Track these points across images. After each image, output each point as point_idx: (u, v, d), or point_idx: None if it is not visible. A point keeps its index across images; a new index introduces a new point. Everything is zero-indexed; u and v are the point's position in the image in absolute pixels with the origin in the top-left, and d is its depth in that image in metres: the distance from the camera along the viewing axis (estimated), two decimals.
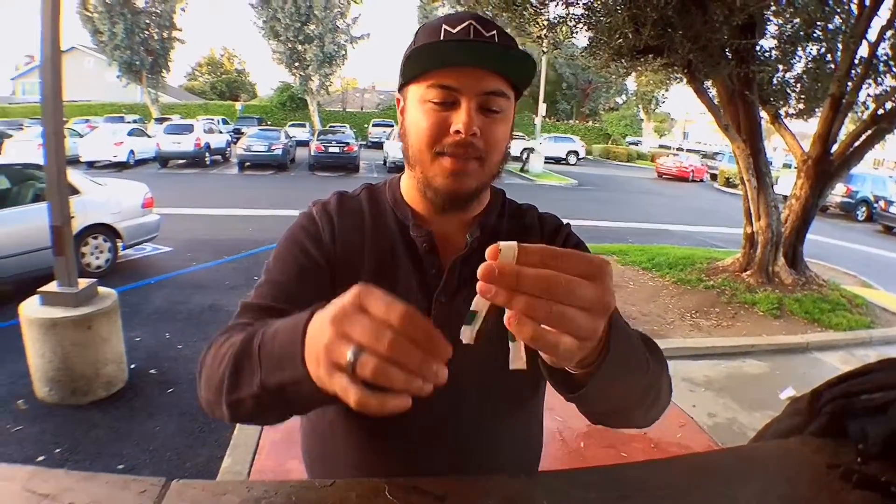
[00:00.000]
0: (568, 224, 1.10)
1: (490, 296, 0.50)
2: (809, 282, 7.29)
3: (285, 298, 0.90)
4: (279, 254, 0.97)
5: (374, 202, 1.04)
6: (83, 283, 3.95)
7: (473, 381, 0.93)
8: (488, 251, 0.52)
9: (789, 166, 23.20)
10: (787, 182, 10.87)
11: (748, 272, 7.31)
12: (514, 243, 0.52)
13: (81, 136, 20.72)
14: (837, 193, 17.54)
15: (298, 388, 0.64)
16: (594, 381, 0.65)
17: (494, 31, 0.89)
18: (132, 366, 4.35)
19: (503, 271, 0.50)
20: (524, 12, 6.38)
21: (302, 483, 0.85)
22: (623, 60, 6.49)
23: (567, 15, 6.48)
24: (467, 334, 0.55)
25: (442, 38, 0.88)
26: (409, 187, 1.01)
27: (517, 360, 0.57)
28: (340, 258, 0.96)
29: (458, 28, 0.88)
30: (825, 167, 7.07)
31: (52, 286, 3.85)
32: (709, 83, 7.09)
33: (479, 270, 0.50)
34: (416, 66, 0.90)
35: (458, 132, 0.87)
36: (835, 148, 7.08)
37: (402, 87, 0.96)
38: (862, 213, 18.22)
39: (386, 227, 1.00)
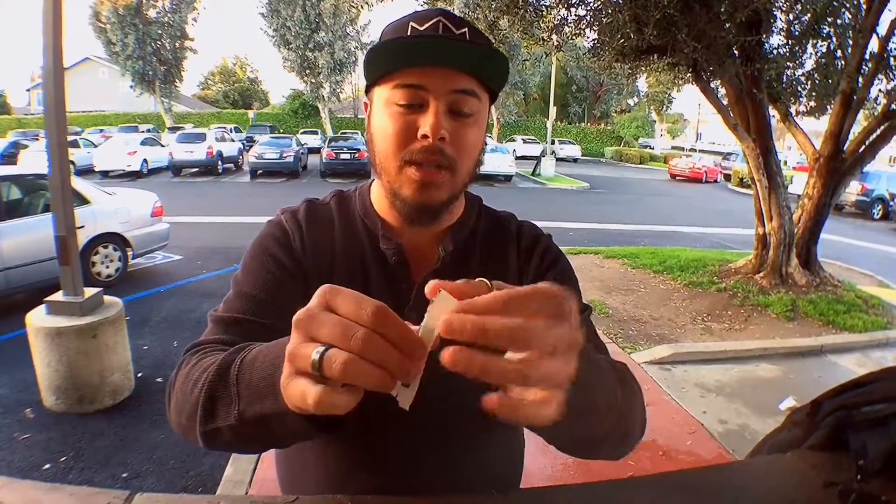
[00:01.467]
0: (549, 236, 1.04)
1: (456, 361, 0.46)
2: (824, 283, 7.18)
3: (256, 310, 0.86)
4: (248, 265, 0.92)
5: (344, 210, 1.00)
6: (89, 292, 3.96)
7: (449, 399, 0.88)
8: (429, 287, 0.48)
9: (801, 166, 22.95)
10: (800, 182, 10.73)
11: (761, 274, 7.21)
12: (451, 299, 0.48)
13: (96, 146, 20.98)
14: (852, 192, 17.30)
15: (282, 421, 0.59)
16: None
17: (465, 29, 0.84)
18: (139, 374, 4.36)
19: (466, 327, 0.45)
20: (526, 15, 6.36)
21: (264, 498, 0.82)
22: (627, 61, 6.44)
23: (569, 16, 6.45)
24: (405, 397, 0.50)
25: (409, 34, 0.83)
26: (378, 196, 0.97)
27: (405, 400, 0.51)
28: (311, 267, 0.92)
29: (426, 25, 0.83)
30: (838, 165, 6.97)
31: (57, 296, 3.87)
32: (716, 82, 7.02)
33: (442, 327, 0.45)
34: (381, 65, 0.85)
35: (425, 136, 0.81)
36: (847, 145, 6.98)
37: (368, 89, 0.91)
38: (878, 211, 17.95)
39: (356, 238, 0.96)
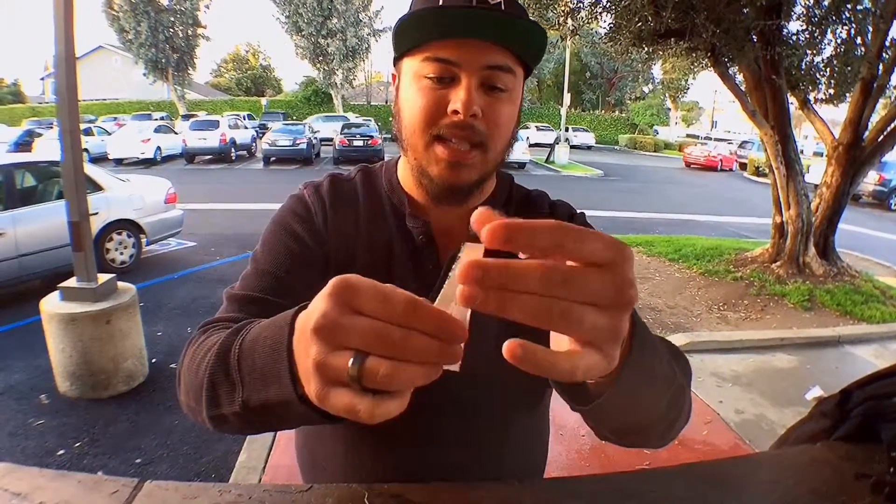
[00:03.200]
0: (582, 213, 0.98)
1: (477, 304, 0.40)
2: (841, 272, 7.07)
3: (275, 289, 0.82)
4: (267, 241, 0.88)
5: (369, 186, 0.95)
6: (102, 278, 3.97)
7: (476, 383, 0.86)
8: (477, 215, 0.41)
9: (820, 155, 22.62)
10: (818, 171, 10.56)
11: (778, 263, 7.12)
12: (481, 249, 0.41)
13: (109, 133, 21.08)
14: (870, 182, 17.00)
15: (288, 407, 0.55)
16: (613, 392, 0.55)
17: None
18: (153, 360, 4.38)
19: (492, 270, 0.38)
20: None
21: (276, 487, 0.80)
22: (644, 45, 6.34)
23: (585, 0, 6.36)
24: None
25: (440, 3, 0.77)
26: (405, 172, 0.92)
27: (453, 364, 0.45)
28: (334, 246, 0.89)
29: None
30: (857, 154, 6.85)
31: (71, 282, 3.89)
32: (735, 68, 6.90)
33: (459, 271, 0.39)
34: (411, 36, 0.80)
35: (455, 112, 0.77)
36: (866, 134, 6.85)
37: (396, 61, 0.86)
38: (895, 202, 17.66)
39: (381, 215, 0.92)
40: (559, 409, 1.05)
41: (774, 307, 6.12)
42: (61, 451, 3.28)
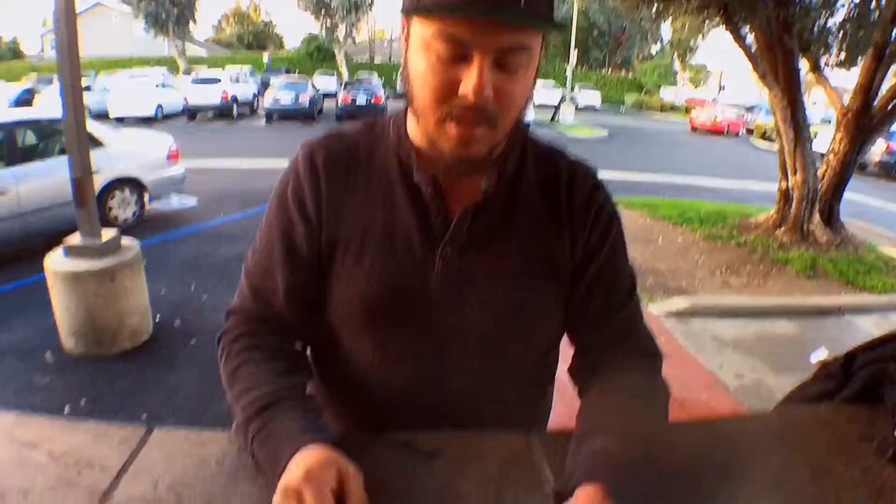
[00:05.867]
0: (603, 188, 0.95)
1: None
2: (845, 241, 7.02)
3: (283, 274, 0.90)
4: (269, 221, 0.93)
5: (372, 141, 0.93)
6: (106, 234, 3.96)
7: (482, 332, 0.90)
8: None
9: (828, 122, 22.23)
10: (824, 138, 10.34)
11: (782, 229, 7.09)
12: None
13: (109, 91, 20.79)
14: (877, 151, 16.72)
15: None
16: None
17: None
18: (157, 318, 4.40)
19: None
20: None
21: None
22: (654, 3, 6.19)
23: None
24: None
25: None
26: (414, 127, 0.89)
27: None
28: (330, 219, 0.89)
29: None
30: (866, 121, 6.74)
31: (75, 238, 3.88)
32: (746, 28, 6.75)
33: None
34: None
35: (467, 95, 0.74)
36: (877, 101, 6.73)
37: (405, 12, 0.80)
38: None
39: (385, 169, 0.90)
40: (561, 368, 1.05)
41: (777, 274, 6.09)
42: (67, 409, 3.31)
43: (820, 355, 3.94)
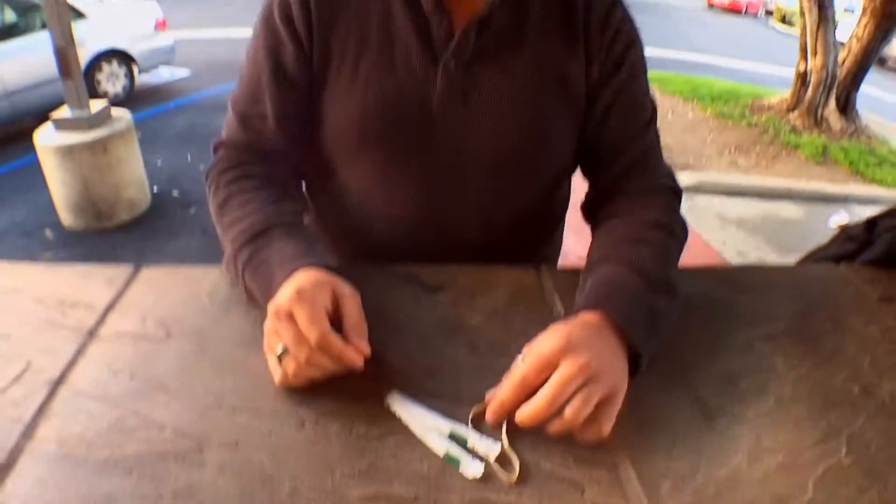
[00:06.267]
0: (622, 4, 0.86)
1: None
2: (858, 132, 6.85)
3: (272, 98, 0.81)
4: (254, 57, 0.83)
5: None
6: (95, 105, 3.84)
7: (488, 156, 0.82)
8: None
9: (851, 11, 21.01)
10: (844, 27, 9.67)
11: (795, 113, 6.90)
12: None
13: None
14: None
15: None
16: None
17: None
18: (154, 189, 4.35)
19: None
20: None
21: None
22: None
23: None
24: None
25: None
26: None
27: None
28: (321, 36, 0.79)
29: None
30: (894, 8, 6.33)
31: (64, 111, 3.76)
32: None
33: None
34: None
35: None
36: None
37: None
38: None
39: None
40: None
41: (786, 157, 5.99)
42: None
43: (840, 219, 3.92)
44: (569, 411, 0.56)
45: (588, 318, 0.64)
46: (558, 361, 0.57)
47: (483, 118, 0.80)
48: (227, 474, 0.53)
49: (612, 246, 0.77)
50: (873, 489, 0.58)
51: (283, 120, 0.82)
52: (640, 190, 0.85)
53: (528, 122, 0.81)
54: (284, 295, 0.62)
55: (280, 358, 0.60)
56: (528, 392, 0.57)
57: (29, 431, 0.55)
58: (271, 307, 0.62)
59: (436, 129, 0.80)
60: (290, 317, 0.60)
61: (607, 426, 0.57)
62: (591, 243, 0.82)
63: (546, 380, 0.57)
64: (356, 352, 0.60)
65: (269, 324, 0.62)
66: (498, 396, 0.59)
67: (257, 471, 0.54)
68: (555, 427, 0.57)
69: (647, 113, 0.87)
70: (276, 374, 0.61)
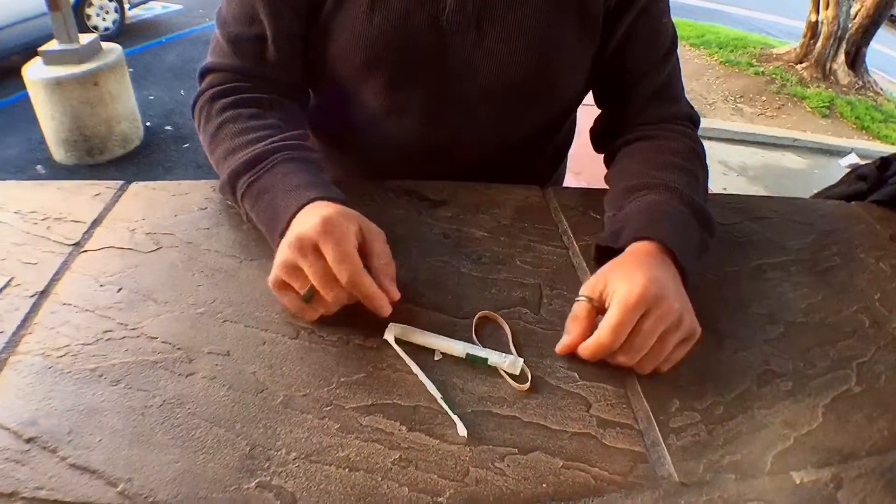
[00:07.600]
0: None
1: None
2: (866, 87, 6.73)
3: (272, 39, 0.74)
4: None
5: None
6: (85, 38, 3.72)
7: (498, 77, 0.77)
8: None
9: None
10: None
11: (803, 64, 6.76)
12: None
13: None
14: None
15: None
16: None
17: None
18: (147, 124, 4.25)
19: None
20: None
21: None
22: None
23: None
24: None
25: None
26: None
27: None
28: None
29: None
30: None
31: (52, 45, 3.63)
32: None
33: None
34: None
35: None
36: None
37: None
38: None
39: None
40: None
41: (792, 108, 5.90)
42: None
43: (850, 160, 3.89)
44: (659, 360, 0.57)
45: (644, 247, 0.62)
46: (646, 307, 0.55)
47: (496, 42, 0.74)
48: (219, 384, 0.51)
49: (650, 171, 0.73)
50: (883, 419, 0.57)
51: (282, 42, 0.74)
52: (664, 117, 0.82)
53: (541, 40, 0.75)
54: (308, 224, 0.55)
55: (307, 299, 0.56)
56: (624, 337, 0.55)
57: (12, 344, 0.53)
58: (292, 236, 0.55)
59: (445, 52, 0.74)
60: (317, 250, 0.54)
61: (673, 363, 0.58)
62: (615, 169, 0.79)
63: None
64: (385, 296, 0.56)
65: (285, 254, 0.55)
66: (597, 339, 0.55)
67: (250, 380, 0.52)
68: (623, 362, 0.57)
69: (667, 40, 0.82)
70: (293, 308, 0.58)
